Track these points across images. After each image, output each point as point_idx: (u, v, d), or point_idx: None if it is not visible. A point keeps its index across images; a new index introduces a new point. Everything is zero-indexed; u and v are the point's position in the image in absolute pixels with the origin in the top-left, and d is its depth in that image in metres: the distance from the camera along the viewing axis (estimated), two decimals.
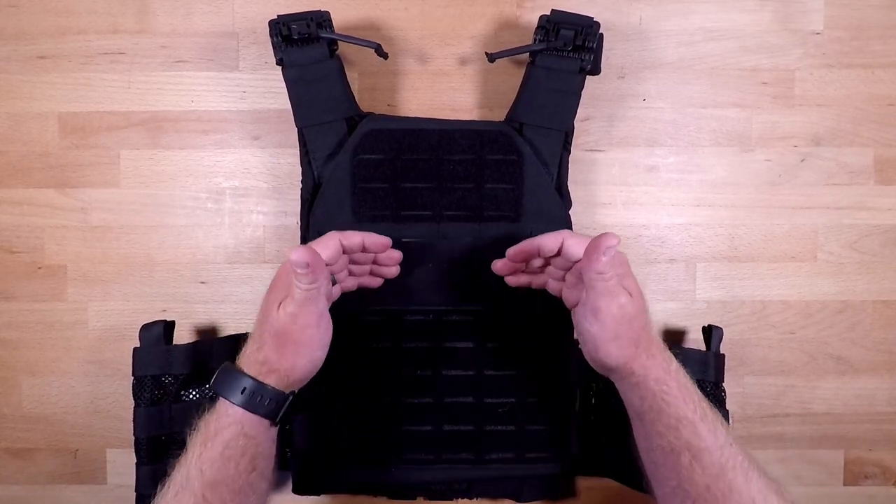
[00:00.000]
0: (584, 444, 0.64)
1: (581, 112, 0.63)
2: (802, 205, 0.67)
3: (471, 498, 0.65)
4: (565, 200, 0.63)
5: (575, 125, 0.63)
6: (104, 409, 0.68)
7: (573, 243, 0.51)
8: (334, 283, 0.56)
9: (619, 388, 0.54)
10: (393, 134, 0.61)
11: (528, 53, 0.62)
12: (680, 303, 0.68)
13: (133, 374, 0.61)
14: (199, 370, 0.61)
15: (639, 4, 0.67)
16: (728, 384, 0.63)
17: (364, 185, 0.61)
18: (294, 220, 0.67)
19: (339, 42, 0.62)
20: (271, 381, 0.51)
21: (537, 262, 0.56)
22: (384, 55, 0.63)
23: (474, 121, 0.66)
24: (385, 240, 0.56)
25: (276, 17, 0.61)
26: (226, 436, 0.50)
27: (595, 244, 0.48)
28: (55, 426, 0.68)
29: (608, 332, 0.51)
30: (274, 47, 0.61)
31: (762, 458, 0.68)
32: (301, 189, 0.63)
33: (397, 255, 0.58)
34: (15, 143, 0.67)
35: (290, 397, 0.52)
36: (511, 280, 0.58)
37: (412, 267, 0.61)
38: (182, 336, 0.65)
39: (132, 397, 0.60)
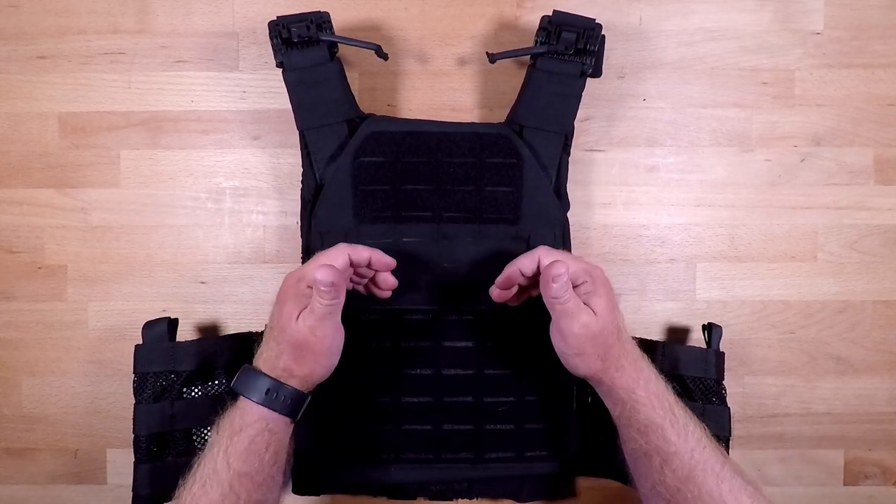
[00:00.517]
0: (582, 444, 0.64)
1: (581, 112, 0.63)
2: (802, 205, 0.67)
3: (471, 498, 0.65)
4: (563, 203, 0.63)
5: (575, 125, 0.63)
6: (104, 409, 0.68)
7: (546, 260, 0.53)
8: None
9: (597, 391, 0.57)
10: (393, 136, 0.62)
11: (528, 55, 0.62)
12: (680, 303, 0.68)
13: (134, 371, 0.60)
14: (203, 368, 0.61)
15: (639, 4, 0.67)
16: (728, 384, 0.63)
17: (365, 188, 0.61)
18: (294, 221, 0.67)
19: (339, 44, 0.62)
20: (291, 384, 0.53)
21: (522, 281, 0.57)
22: (384, 56, 0.63)
23: (474, 123, 0.66)
24: (390, 260, 0.56)
25: (275, 18, 0.60)
26: (251, 431, 0.52)
27: (545, 273, 0.51)
28: (55, 426, 0.68)
29: (572, 349, 0.54)
30: (274, 50, 0.61)
31: (762, 459, 0.69)
32: (301, 189, 0.63)
33: (393, 281, 0.58)
34: (15, 143, 0.67)
35: (309, 397, 0.54)
36: (512, 301, 0.59)
37: (412, 267, 0.61)
38: (182, 336, 0.65)
39: (133, 395, 0.60)
